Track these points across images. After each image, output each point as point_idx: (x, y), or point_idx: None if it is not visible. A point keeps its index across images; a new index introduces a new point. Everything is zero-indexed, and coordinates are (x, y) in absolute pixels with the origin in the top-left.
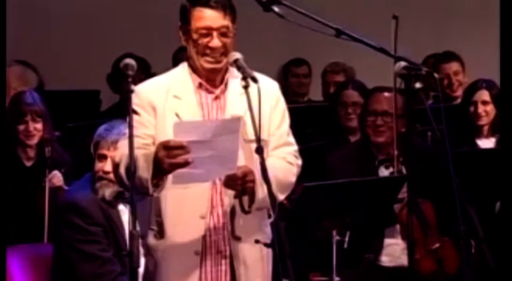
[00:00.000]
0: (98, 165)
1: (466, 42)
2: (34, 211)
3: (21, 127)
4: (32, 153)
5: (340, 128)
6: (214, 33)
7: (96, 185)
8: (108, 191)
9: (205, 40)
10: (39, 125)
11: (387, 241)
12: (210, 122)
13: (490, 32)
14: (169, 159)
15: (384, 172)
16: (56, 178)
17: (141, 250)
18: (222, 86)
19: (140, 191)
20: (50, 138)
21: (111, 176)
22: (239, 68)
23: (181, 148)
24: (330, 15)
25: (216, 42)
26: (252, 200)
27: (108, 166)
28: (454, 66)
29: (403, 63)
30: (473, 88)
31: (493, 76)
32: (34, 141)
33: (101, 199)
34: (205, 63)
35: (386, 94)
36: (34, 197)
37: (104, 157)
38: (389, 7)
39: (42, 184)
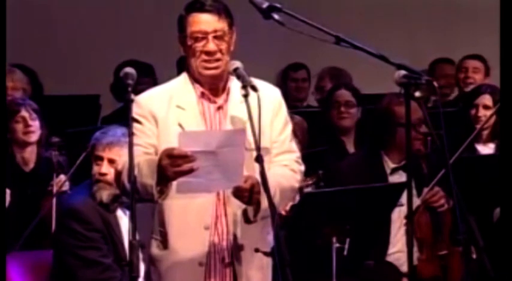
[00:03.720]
0: (95, 168)
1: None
2: (36, 217)
3: (19, 126)
4: (31, 158)
5: (334, 130)
6: (209, 37)
7: (93, 188)
8: (105, 194)
9: (200, 44)
10: (36, 122)
11: (391, 248)
12: (214, 132)
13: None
14: (173, 167)
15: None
16: (62, 182)
17: (140, 255)
18: (224, 95)
19: (145, 198)
20: (56, 142)
21: (108, 178)
22: (239, 77)
23: (185, 157)
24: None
25: (211, 45)
26: (257, 210)
27: (104, 168)
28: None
29: (402, 72)
30: (476, 92)
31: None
32: (34, 138)
33: (99, 202)
34: (204, 70)
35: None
36: (36, 203)
37: (100, 159)
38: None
39: (48, 189)
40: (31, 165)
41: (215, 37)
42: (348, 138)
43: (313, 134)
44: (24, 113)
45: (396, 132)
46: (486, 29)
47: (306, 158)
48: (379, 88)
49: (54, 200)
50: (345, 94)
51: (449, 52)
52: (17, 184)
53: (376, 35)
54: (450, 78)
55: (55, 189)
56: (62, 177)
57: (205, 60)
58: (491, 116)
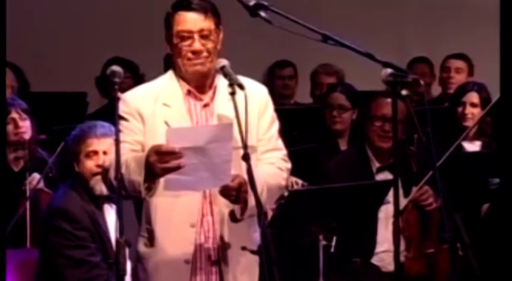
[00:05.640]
0: (89, 163)
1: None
2: (15, 215)
3: (9, 127)
4: (21, 158)
5: (328, 131)
6: (195, 36)
7: (90, 182)
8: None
9: (186, 43)
10: (27, 123)
11: (379, 247)
12: (202, 128)
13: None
14: (160, 164)
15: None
16: (35, 180)
17: (127, 253)
18: (211, 93)
19: (132, 195)
20: (29, 141)
21: None
22: (226, 75)
23: (173, 154)
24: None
25: (197, 45)
26: (244, 209)
27: (101, 160)
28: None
29: (389, 70)
30: (463, 89)
31: (492, 77)
32: (25, 139)
33: (98, 195)
34: (189, 66)
35: (390, 100)
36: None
37: (94, 153)
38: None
39: (22, 188)
40: (21, 164)
41: (201, 36)
42: (341, 139)
43: (303, 131)
44: (14, 114)
45: (365, 126)
46: (472, 27)
47: (296, 155)
48: (366, 86)
49: (28, 199)
50: (339, 97)
51: (435, 50)
52: (6, 183)
53: (364, 32)
54: (425, 77)
55: (28, 187)
56: (34, 175)
57: (191, 59)
58: (482, 116)
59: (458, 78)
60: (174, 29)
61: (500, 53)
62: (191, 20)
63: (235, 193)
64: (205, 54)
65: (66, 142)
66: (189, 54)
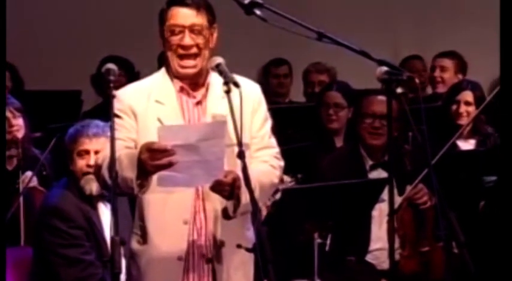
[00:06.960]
0: (80, 162)
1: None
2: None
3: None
4: (14, 156)
5: (324, 129)
6: (186, 31)
7: (80, 182)
8: (95, 186)
9: (176, 38)
10: (19, 121)
11: (373, 245)
12: (194, 125)
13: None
14: (152, 161)
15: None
16: (28, 179)
17: (122, 251)
18: (203, 90)
19: (125, 191)
20: (23, 139)
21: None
22: (221, 73)
23: (165, 151)
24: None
25: (187, 40)
26: (236, 205)
27: (92, 160)
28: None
29: (384, 68)
30: (457, 88)
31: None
32: (18, 137)
33: (88, 195)
34: (180, 68)
35: (381, 97)
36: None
37: (86, 152)
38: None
39: (15, 186)
40: (14, 163)
41: (192, 31)
42: (337, 138)
43: (297, 129)
44: (7, 113)
45: (357, 123)
46: (465, 26)
47: (292, 153)
48: (360, 84)
49: (21, 197)
50: (335, 96)
51: (428, 49)
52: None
53: (357, 30)
54: (418, 74)
55: (21, 186)
56: (28, 173)
57: (182, 57)
58: (477, 114)
59: (444, 77)
60: (167, 23)
61: (500, 52)
62: (183, 15)
63: (229, 188)
64: (194, 50)
65: (58, 140)
66: (179, 50)
